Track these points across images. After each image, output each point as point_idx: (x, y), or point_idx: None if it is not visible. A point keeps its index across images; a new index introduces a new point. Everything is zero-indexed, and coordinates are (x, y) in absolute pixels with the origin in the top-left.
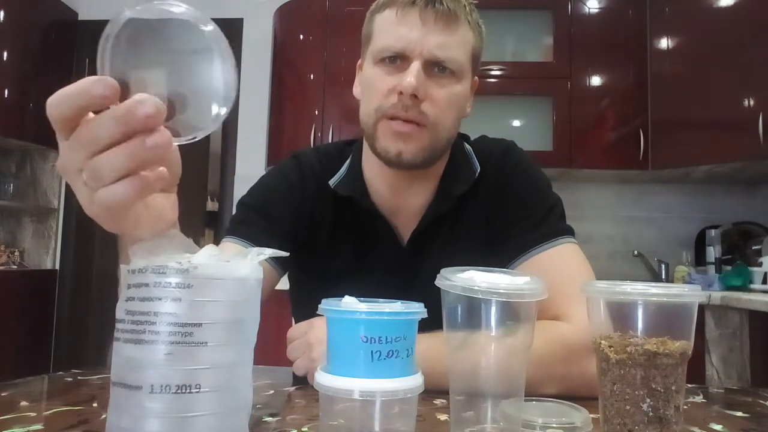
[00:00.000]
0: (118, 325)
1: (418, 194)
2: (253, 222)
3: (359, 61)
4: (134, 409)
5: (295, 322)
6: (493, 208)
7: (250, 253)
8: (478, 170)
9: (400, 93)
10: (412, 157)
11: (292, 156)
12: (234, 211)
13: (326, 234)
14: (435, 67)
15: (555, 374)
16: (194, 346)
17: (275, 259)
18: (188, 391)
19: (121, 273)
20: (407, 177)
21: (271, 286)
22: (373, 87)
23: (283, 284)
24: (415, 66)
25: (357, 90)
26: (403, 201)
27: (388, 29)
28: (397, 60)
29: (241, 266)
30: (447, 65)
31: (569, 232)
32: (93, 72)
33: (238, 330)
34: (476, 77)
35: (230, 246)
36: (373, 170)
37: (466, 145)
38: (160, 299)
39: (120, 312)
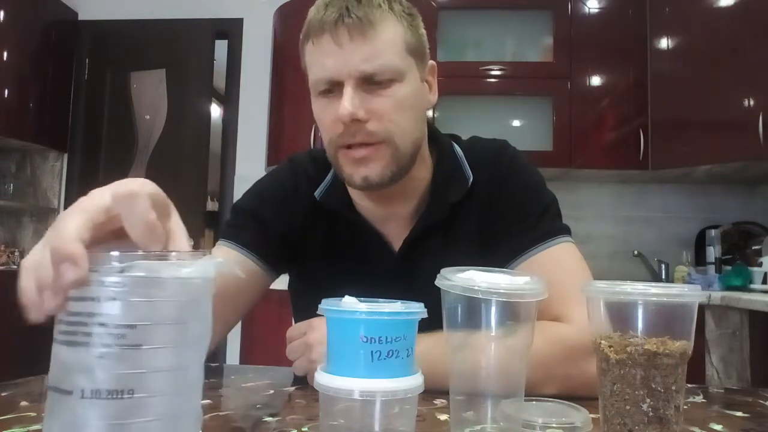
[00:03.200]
0: (56, 326)
1: (406, 202)
2: (245, 226)
3: None
4: (66, 415)
5: (295, 323)
6: (487, 209)
7: (205, 257)
8: (471, 178)
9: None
10: (379, 178)
11: (288, 159)
12: (228, 215)
13: (319, 239)
14: (369, 81)
15: (555, 375)
16: (127, 348)
17: (267, 262)
18: (120, 396)
19: None
20: (390, 189)
21: (263, 289)
22: (320, 121)
23: (284, 284)
24: (347, 91)
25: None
26: (391, 210)
27: (313, 61)
28: (333, 88)
29: (185, 265)
30: (379, 76)
31: (566, 231)
32: (93, 72)
33: (180, 332)
34: (431, 61)
35: (223, 250)
36: None
37: (456, 148)
38: (93, 299)
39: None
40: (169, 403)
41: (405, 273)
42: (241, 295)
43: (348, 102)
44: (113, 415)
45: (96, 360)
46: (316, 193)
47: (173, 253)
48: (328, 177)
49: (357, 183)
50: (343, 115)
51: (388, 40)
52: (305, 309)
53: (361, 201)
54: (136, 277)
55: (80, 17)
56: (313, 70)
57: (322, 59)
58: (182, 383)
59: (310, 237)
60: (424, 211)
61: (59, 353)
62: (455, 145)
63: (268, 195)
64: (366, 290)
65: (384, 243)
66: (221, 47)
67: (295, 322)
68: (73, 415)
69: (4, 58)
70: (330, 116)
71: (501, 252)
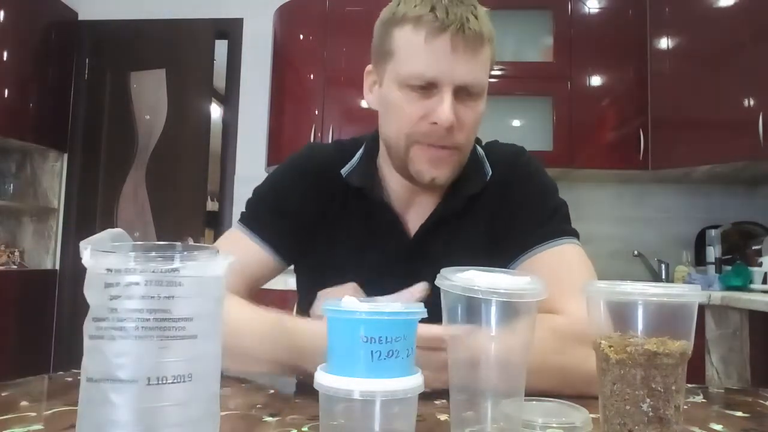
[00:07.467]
0: (102, 324)
1: (432, 193)
2: (262, 218)
3: (369, 68)
4: (134, 402)
5: (299, 309)
6: (499, 207)
7: (221, 257)
8: (490, 174)
9: (434, 123)
10: (444, 180)
11: (307, 145)
12: (250, 196)
13: (333, 222)
14: (463, 92)
15: (549, 365)
16: (187, 338)
17: (280, 251)
18: (182, 380)
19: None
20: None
21: (274, 274)
22: (400, 112)
23: (284, 284)
24: (449, 97)
25: (372, 101)
26: (416, 199)
27: (415, 54)
28: (429, 87)
29: (219, 266)
30: (475, 90)
31: (573, 233)
32: (93, 72)
33: (216, 323)
34: None
35: (236, 235)
36: (391, 172)
37: (479, 149)
38: (152, 297)
39: (102, 310)
40: (213, 384)
41: (415, 257)
42: (252, 278)
43: (450, 110)
44: (178, 398)
45: (162, 351)
46: (343, 171)
47: (195, 252)
48: (356, 157)
49: (425, 180)
50: (445, 121)
51: (486, 59)
52: (312, 292)
53: (393, 186)
54: (187, 277)
55: (80, 17)
56: (411, 63)
57: (429, 57)
58: (217, 367)
59: (323, 218)
60: (442, 202)
61: (115, 347)
62: (477, 146)
63: (283, 181)
64: (374, 272)
65: (401, 227)
66: (221, 47)
67: (300, 298)
68: (141, 400)
69: (4, 58)
70: (417, 112)
71: (507, 248)
